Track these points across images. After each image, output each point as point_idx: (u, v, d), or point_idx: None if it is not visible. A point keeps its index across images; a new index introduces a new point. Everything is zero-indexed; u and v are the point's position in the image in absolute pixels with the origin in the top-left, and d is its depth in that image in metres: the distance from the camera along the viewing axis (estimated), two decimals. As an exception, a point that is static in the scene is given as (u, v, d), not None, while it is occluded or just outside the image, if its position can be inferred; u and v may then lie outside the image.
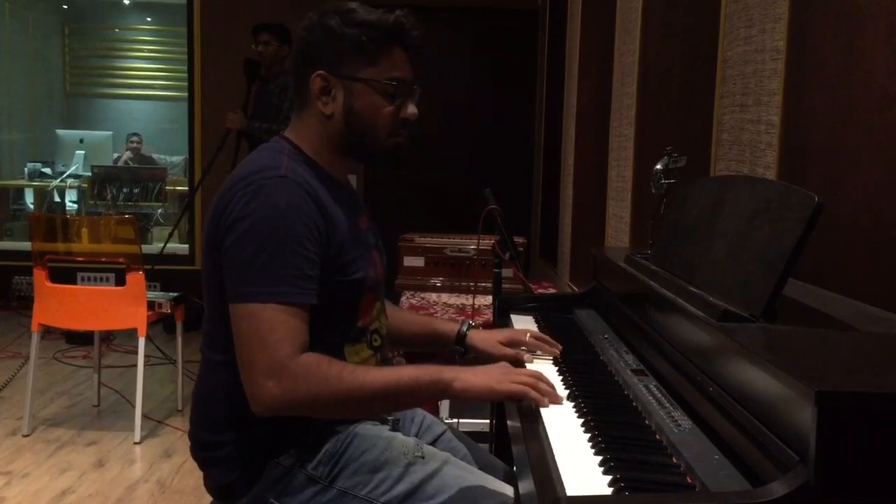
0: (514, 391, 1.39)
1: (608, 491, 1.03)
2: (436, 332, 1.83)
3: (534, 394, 1.38)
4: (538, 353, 1.72)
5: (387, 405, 1.52)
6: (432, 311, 3.20)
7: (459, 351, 1.79)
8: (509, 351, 1.71)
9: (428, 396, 1.49)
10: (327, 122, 1.54)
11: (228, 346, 1.44)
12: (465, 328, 1.79)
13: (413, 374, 1.42)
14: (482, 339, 1.77)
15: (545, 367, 1.61)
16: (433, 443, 1.69)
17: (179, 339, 3.94)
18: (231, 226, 1.42)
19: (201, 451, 1.56)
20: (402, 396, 1.44)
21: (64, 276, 3.59)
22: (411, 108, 1.56)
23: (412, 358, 2.68)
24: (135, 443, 3.54)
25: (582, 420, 1.30)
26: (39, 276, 3.58)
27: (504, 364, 1.53)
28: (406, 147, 1.59)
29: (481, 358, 1.75)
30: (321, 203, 1.47)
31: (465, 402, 1.48)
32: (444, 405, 2.92)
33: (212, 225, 1.47)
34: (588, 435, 1.23)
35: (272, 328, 1.36)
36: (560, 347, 1.73)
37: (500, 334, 1.78)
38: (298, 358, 1.37)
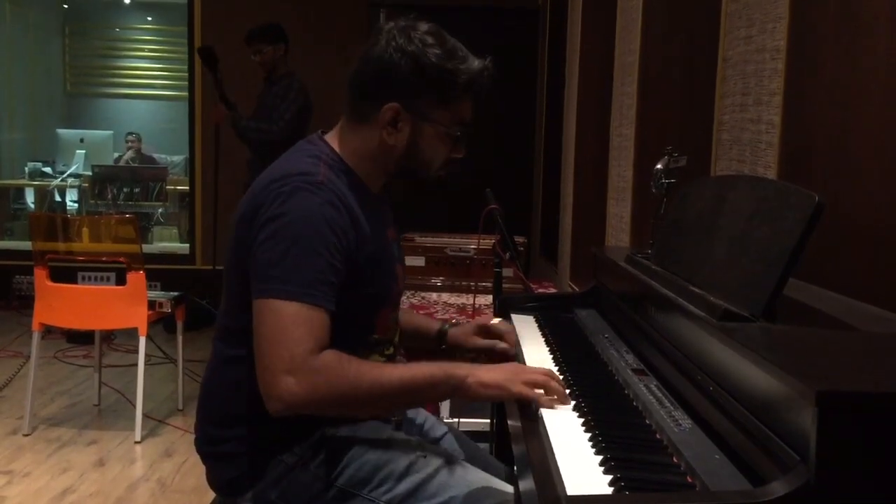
0: (525, 395, 1.39)
1: (609, 490, 1.03)
2: (416, 328, 1.85)
3: (545, 399, 1.38)
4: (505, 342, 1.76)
5: (403, 402, 1.54)
6: (432, 310, 3.20)
7: (441, 349, 1.82)
8: (481, 341, 1.76)
9: (442, 393, 1.50)
10: (387, 150, 1.54)
11: (243, 341, 1.45)
12: (446, 327, 1.83)
13: (428, 370, 1.42)
14: (457, 333, 1.81)
15: (545, 365, 1.61)
16: (435, 443, 1.70)
17: (180, 339, 3.94)
18: (264, 224, 1.43)
19: (206, 446, 1.57)
20: (418, 393, 1.45)
21: (64, 275, 3.59)
22: (463, 150, 1.60)
23: (412, 356, 2.68)
24: (135, 442, 3.55)
25: (582, 420, 1.30)
26: (40, 276, 3.58)
27: (516, 364, 1.54)
28: (445, 179, 1.64)
29: (459, 353, 1.79)
30: (353, 214, 1.48)
31: (474, 401, 1.49)
32: (445, 405, 2.92)
33: (243, 221, 1.48)
34: (588, 434, 1.23)
35: (294, 325, 1.37)
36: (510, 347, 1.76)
37: (470, 325, 1.83)
38: (319, 355, 1.37)
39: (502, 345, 1.74)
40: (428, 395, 1.49)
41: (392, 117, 1.51)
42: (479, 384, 1.41)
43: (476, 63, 1.52)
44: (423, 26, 1.52)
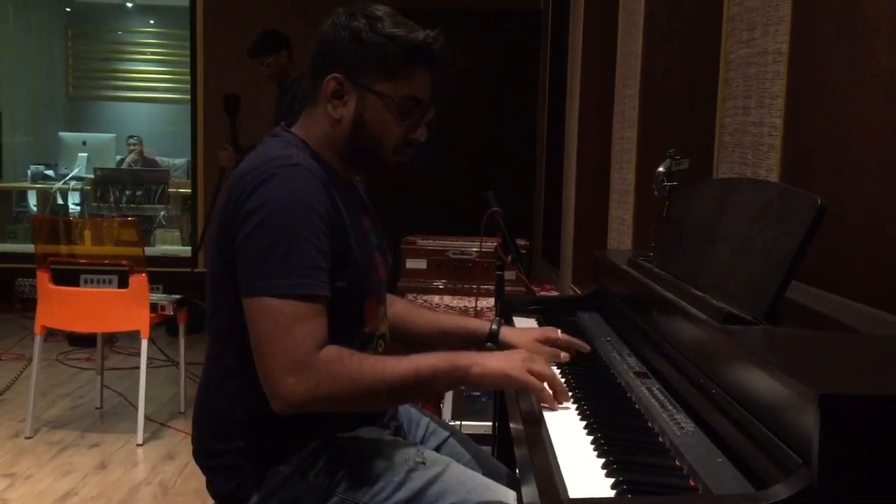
0: (530, 383, 1.38)
1: (611, 493, 1.03)
2: (466, 330, 1.79)
3: (547, 392, 1.37)
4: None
5: (408, 395, 1.51)
6: (435, 313, 3.19)
7: (492, 349, 1.75)
8: (547, 349, 1.67)
9: (447, 384, 1.49)
10: (335, 126, 1.52)
11: (233, 350, 1.43)
12: (495, 325, 1.76)
13: (432, 362, 1.41)
14: (517, 336, 1.74)
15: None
16: (437, 448, 1.69)
17: (182, 342, 3.95)
18: (245, 218, 1.39)
19: (203, 458, 1.56)
20: (422, 385, 1.42)
21: (67, 278, 3.59)
22: (421, 131, 1.54)
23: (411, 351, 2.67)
24: (137, 445, 3.55)
25: (585, 423, 1.30)
26: (42, 279, 3.58)
27: (522, 350, 1.51)
28: (407, 167, 1.57)
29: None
30: (332, 194, 1.45)
31: (479, 390, 1.48)
32: (447, 407, 2.92)
33: (223, 218, 1.44)
34: (591, 437, 1.23)
35: (291, 323, 1.34)
36: (588, 348, 1.71)
37: (535, 332, 1.75)
38: (319, 353, 1.34)
39: (565, 355, 1.67)
40: (432, 387, 1.46)
41: (335, 88, 1.49)
42: (484, 374, 1.40)
43: (418, 34, 1.49)
44: (374, 6, 1.50)
